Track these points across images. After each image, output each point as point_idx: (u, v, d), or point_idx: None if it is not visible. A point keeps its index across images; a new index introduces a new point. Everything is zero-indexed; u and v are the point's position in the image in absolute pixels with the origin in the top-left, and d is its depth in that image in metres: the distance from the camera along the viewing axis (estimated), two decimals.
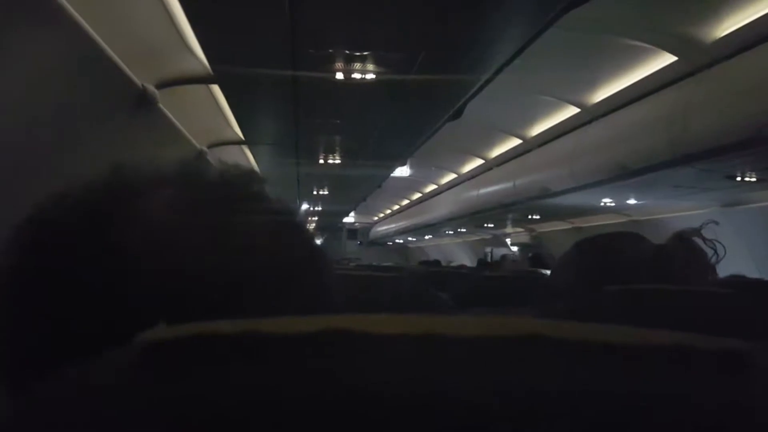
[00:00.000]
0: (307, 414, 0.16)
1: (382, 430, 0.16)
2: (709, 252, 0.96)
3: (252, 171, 0.40)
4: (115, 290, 0.32)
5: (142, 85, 3.13)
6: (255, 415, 0.16)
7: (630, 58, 4.08)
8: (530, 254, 7.90)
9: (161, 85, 3.31)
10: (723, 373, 0.18)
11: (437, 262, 6.87)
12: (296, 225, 0.38)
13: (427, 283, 2.77)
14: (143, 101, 3.22)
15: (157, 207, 0.34)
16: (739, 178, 4.00)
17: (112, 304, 0.31)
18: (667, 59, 3.89)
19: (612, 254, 0.95)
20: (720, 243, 0.95)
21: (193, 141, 4.41)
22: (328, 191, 8.88)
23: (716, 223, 1.01)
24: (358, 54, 2.75)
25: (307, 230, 0.40)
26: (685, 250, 0.94)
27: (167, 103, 3.52)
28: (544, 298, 1.27)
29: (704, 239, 0.94)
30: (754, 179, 4.00)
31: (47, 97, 2.57)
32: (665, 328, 0.19)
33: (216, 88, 4.02)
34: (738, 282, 1.73)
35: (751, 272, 4.06)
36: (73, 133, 2.87)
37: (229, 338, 0.18)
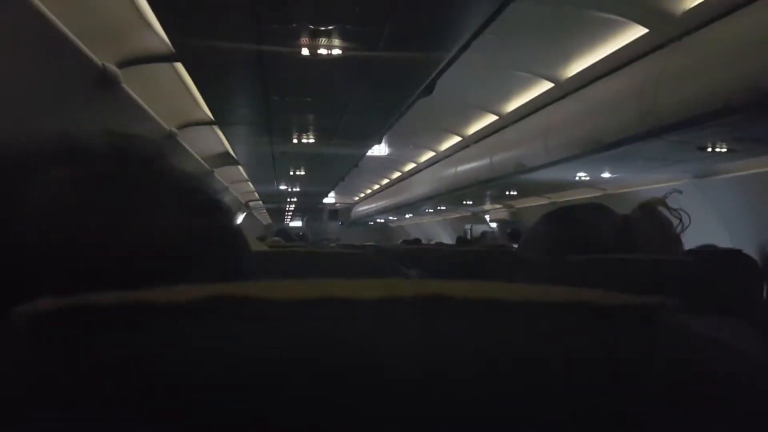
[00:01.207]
0: (192, 386, 0.15)
1: (269, 401, 0.15)
2: (675, 221, 0.95)
3: (157, 144, 0.38)
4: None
5: (102, 64, 3.05)
6: (140, 388, 0.15)
7: (602, 31, 4.08)
8: (508, 230, 7.96)
9: (123, 65, 3.22)
10: (630, 328, 0.18)
11: (417, 241, 6.91)
12: (205, 201, 0.36)
13: (402, 260, 2.79)
14: (104, 81, 3.13)
15: (41, 182, 0.33)
16: (710, 149, 4.03)
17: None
18: (638, 31, 3.88)
19: (577, 225, 0.94)
20: (685, 212, 0.94)
21: (161, 122, 4.33)
22: (305, 171, 8.85)
23: (680, 192, 1.00)
24: (322, 28, 2.69)
25: (221, 207, 0.37)
26: (649, 220, 0.93)
27: (133, 84, 3.44)
28: (511, 270, 1.27)
29: (669, 208, 0.93)
30: (724, 150, 4.04)
31: None
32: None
33: (182, 69, 3.93)
34: (708, 251, 1.74)
35: (724, 242, 4.13)
36: (29, 115, 2.78)
37: (113, 309, 0.17)
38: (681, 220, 0.96)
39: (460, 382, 0.16)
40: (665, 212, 0.96)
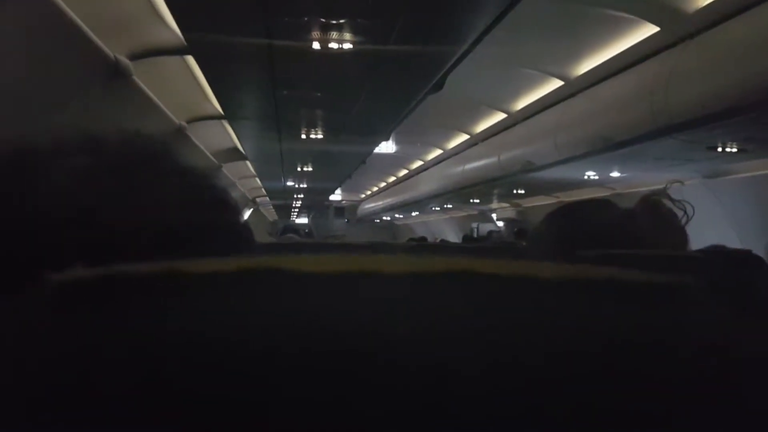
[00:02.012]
0: (230, 355, 0.15)
1: (304, 370, 0.15)
2: (679, 213, 0.95)
3: (166, 140, 0.40)
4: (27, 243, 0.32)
5: (114, 56, 3.06)
6: (175, 356, 0.15)
7: (613, 29, 4.06)
8: (516, 229, 7.94)
9: (134, 57, 3.23)
10: (656, 302, 0.18)
11: (424, 239, 6.90)
12: (212, 195, 0.38)
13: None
14: (116, 74, 3.15)
15: (62, 170, 0.35)
16: (720, 149, 4.01)
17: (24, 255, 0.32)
18: (650, 29, 3.86)
19: (581, 221, 0.94)
20: (689, 203, 0.94)
21: (171, 116, 4.34)
22: (312, 167, 8.85)
23: (681, 183, 1.00)
24: (333, 22, 2.69)
25: (228, 202, 0.39)
26: (652, 213, 0.93)
27: (143, 77, 3.45)
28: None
29: (672, 200, 0.93)
30: (735, 150, 4.01)
31: (10, 69, 2.49)
32: None
33: (193, 63, 3.94)
34: (717, 251, 1.73)
35: (733, 242, 4.11)
36: (40, 105, 2.80)
37: (147, 277, 0.17)
38: (685, 211, 0.95)
39: (492, 357, 0.16)
40: (669, 204, 0.96)
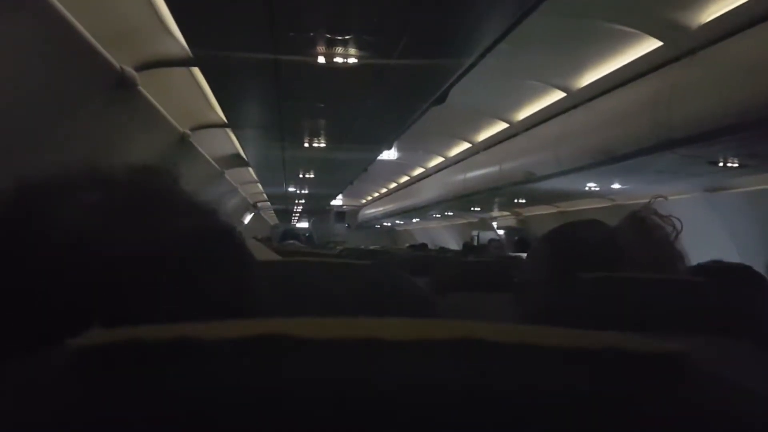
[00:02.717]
0: (239, 419, 0.16)
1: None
2: (668, 228, 0.96)
3: (167, 171, 0.41)
4: (28, 291, 0.33)
5: (121, 67, 3.08)
6: (188, 421, 0.16)
7: (616, 42, 4.07)
8: (516, 238, 7.94)
9: (140, 68, 3.25)
10: (659, 375, 0.18)
11: (424, 246, 6.89)
12: (216, 227, 0.38)
13: (409, 269, 2.79)
14: (122, 84, 3.17)
15: (65, 212, 0.35)
16: (721, 164, 4.01)
17: (33, 305, 0.32)
18: (652, 44, 3.88)
19: (573, 243, 0.96)
20: (677, 218, 0.95)
21: (175, 124, 4.36)
22: (314, 174, 8.85)
23: (665, 198, 1.01)
24: (339, 38, 2.71)
25: (232, 234, 0.39)
26: (639, 229, 0.94)
27: (148, 87, 3.47)
28: (517, 290, 1.28)
29: (660, 215, 0.94)
30: (736, 165, 4.01)
31: (20, 80, 2.51)
32: (634, 314, 0.19)
33: (198, 72, 3.96)
34: (716, 266, 1.73)
35: (732, 256, 4.10)
36: (49, 115, 2.81)
37: (162, 343, 0.18)
38: (674, 226, 0.96)
39: (491, 424, 0.16)
40: (656, 219, 0.97)
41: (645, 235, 0.96)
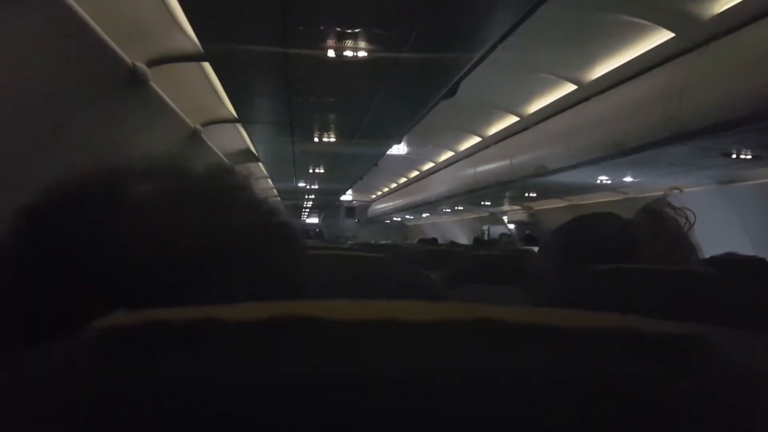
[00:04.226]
0: (264, 401, 0.16)
1: (336, 416, 0.16)
2: (681, 220, 0.96)
3: (231, 170, 0.43)
4: (107, 272, 0.34)
5: (132, 63, 3.10)
6: (211, 403, 0.16)
7: (627, 34, 4.04)
8: (527, 232, 7.91)
9: (152, 63, 3.27)
10: (674, 357, 0.18)
11: (434, 240, 6.89)
12: (276, 218, 0.41)
13: (420, 263, 2.79)
14: (134, 79, 3.19)
15: (146, 195, 0.37)
16: (734, 156, 3.98)
17: (104, 287, 0.33)
18: (664, 35, 3.84)
19: (586, 235, 0.96)
20: (690, 210, 0.95)
21: (186, 119, 4.38)
22: (324, 169, 8.86)
23: (680, 190, 1.01)
24: (349, 31, 2.71)
25: (289, 226, 0.42)
26: (652, 222, 0.94)
27: (159, 82, 3.49)
28: (529, 281, 1.28)
29: (673, 207, 0.94)
30: (749, 157, 3.98)
31: (35, 77, 2.54)
32: (648, 305, 0.19)
33: (208, 67, 3.97)
34: (730, 259, 1.72)
35: (746, 249, 4.06)
36: (63, 111, 2.84)
37: (186, 325, 0.18)
38: (687, 218, 0.96)
39: (505, 405, 0.16)
40: (670, 212, 0.97)
41: (659, 227, 0.95)
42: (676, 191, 1.02)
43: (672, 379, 0.18)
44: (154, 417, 0.16)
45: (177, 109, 4.02)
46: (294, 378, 0.17)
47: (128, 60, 3.04)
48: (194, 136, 4.73)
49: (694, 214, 0.98)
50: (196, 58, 3.52)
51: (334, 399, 0.16)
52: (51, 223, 0.36)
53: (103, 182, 0.37)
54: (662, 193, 1.01)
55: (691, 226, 0.97)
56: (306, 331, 0.18)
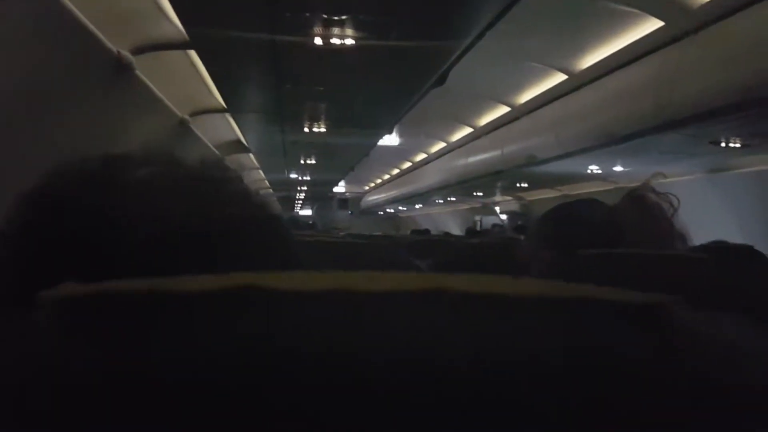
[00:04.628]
0: (215, 373, 0.16)
1: (289, 388, 0.16)
2: (666, 205, 0.96)
3: (222, 162, 0.46)
4: (106, 255, 0.35)
5: (117, 51, 3.06)
6: (161, 374, 0.16)
7: (617, 23, 4.03)
8: (518, 222, 7.94)
9: (137, 51, 3.23)
10: (639, 326, 0.18)
11: (427, 231, 6.91)
12: (267, 211, 0.42)
13: (412, 251, 2.79)
14: (119, 68, 3.15)
15: (145, 178, 0.38)
16: (723, 144, 3.99)
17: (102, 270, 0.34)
18: (654, 24, 3.84)
19: (571, 221, 0.96)
20: (674, 195, 0.95)
21: (174, 109, 4.34)
22: (316, 160, 8.85)
23: (664, 175, 1.01)
24: (336, 18, 2.69)
25: (279, 218, 0.43)
26: (637, 208, 0.95)
27: (145, 71, 3.45)
28: (520, 264, 1.28)
29: (657, 193, 0.94)
30: (738, 145, 3.99)
31: (15, 66, 2.50)
32: (634, 289, 0.19)
33: (196, 57, 3.94)
34: (719, 247, 1.72)
35: (735, 237, 4.08)
36: (45, 101, 2.80)
37: (135, 296, 0.17)
38: (671, 203, 0.96)
39: (460, 374, 0.16)
40: (654, 197, 0.97)
41: (643, 212, 0.96)
42: (659, 176, 1.03)
43: (636, 346, 0.18)
44: (99, 388, 0.16)
45: (164, 99, 3.98)
46: (243, 348, 0.16)
47: (113, 48, 3.01)
48: (182, 126, 4.69)
49: (677, 198, 0.98)
50: (183, 46, 3.48)
51: (283, 369, 0.16)
52: (52, 208, 0.37)
53: (102, 168, 0.38)
54: (647, 180, 1.02)
55: (676, 210, 0.98)
56: (259, 302, 0.17)
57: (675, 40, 3.58)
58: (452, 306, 0.17)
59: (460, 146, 8.01)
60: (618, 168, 5.78)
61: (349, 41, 2.97)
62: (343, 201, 18.19)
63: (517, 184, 8.02)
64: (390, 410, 0.15)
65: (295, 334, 0.17)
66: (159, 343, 0.16)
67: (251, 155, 8.95)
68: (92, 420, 0.16)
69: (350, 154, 8.42)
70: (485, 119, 7.06)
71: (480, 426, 0.16)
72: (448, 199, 11.29)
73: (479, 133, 7.27)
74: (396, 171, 12.97)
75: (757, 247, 1.48)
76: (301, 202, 18.71)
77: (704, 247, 1.47)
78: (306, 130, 5.86)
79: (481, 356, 0.16)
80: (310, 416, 0.15)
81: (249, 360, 0.16)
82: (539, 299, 0.18)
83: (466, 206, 12.13)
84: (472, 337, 0.17)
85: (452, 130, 8.19)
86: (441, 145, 9.13)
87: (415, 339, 0.17)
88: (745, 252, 1.52)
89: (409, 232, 8.02)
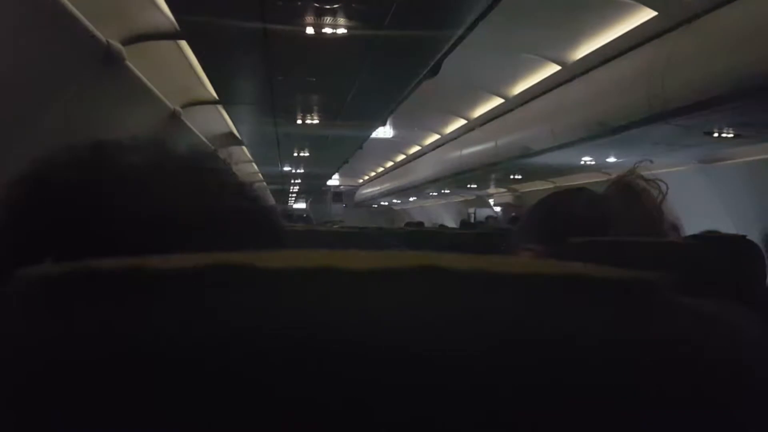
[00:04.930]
0: (195, 349, 0.16)
1: (262, 369, 0.15)
2: (654, 191, 0.97)
3: (213, 153, 0.47)
4: (95, 241, 0.34)
5: (107, 41, 3.03)
6: (137, 354, 0.16)
7: (610, 13, 4.03)
8: (512, 214, 7.96)
9: (127, 42, 3.20)
10: (624, 301, 0.18)
11: (421, 224, 6.93)
12: (257, 202, 0.42)
13: (407, 242, 2.80)
14: (109, 59, 3.12)
15: (134, 164, 0.39)
16: (716, 134, 4.00)
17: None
18: (647, 14, 3.84)
19: (560, 210, 0.96)
20: (662, 180, 0.95)
21: (165, 101, 4.31)
22: (309, 153, 8.84)
23: (650, 161, 1.02)
24: (327, 6, 2.67)
25: (268, 205, 0.44)
26: (625, 194, 0.95)
27: (136, 62, 3.42)
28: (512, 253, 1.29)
29: (645, 179, 0.95)
30: (731, 135, 4.00)
31: (1, 56, 2.47)
32: None
33: (187, 48, 3.91)
34: (712, 237, 1.73)
35: (728, 228, 4.10)
36: (33, 92, 2.78)
37: (115, 275, 0.17)
38: (660, 189, 0.97)
39: (454, 353, 0.16)
40: (642, 184, 0.98)
41: (632, 199, 0.96)
42: (645, 163, 1.03)
43: (620, 322, 0.18)
44: (77, 367, 0.16)
45: (155, 90, 3.95)
46: (228, 326, 0.16)
47: (102, 38, 2.98)
48: (174, 117, 4.66)
49: (666, 184, 0.98)
50: (174, 36, 3.46)
51: (264, 347, 0.16)
52: (40, 192, 0.37)
53: (91, 153, 0.39)
54: (633, 166, 1.02)
55: (664, 196, 0.98)
56: (242, 279, 0.17)
57: (667, 30, 3.58)
58: (446, 284, 0.17)
59: (454, 138, 8.01)
60: (611, 159, 5.80)
61: (341, 31, 2.96)
62: (337, 194, 18.20)
63: (512, 176, 8.04)
64: (380, 393, 0.15)
65: (280, 312, 0.16)
66: (140, 322, 0.16)
67: (244, 148, 8.93)
68: (72, 402, 0.15)
69: (344, 147, 8.41)
70: (479, 111, 7.05)
71: (474, 408, 0.15)
72: (443, 191, 11.31)
73: (473, 125, 7.27)
74: (390, 163, 12.97)
75: (748, 236, 1.48)
76: (294, 195, 18.69)
77: (696, 237, 1.48)
78: (299, 122, 5.84)
79: (475, 335, 0.16)
80: (298, 399, 0.15)
81: (233, 339, 0.16)
82: (530, 276, 0.18)
83: (460, 198, 12.14)
84: (461, 316, 0.17)
85: (446, 122, 8.19)
86: (435, 137, 9.13)
87: (407, 317, 0.16)
88: (737, 242, 1.52)
89: (403, 224, 8.03)
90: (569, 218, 0.94)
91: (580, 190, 1.02)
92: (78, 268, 0.17)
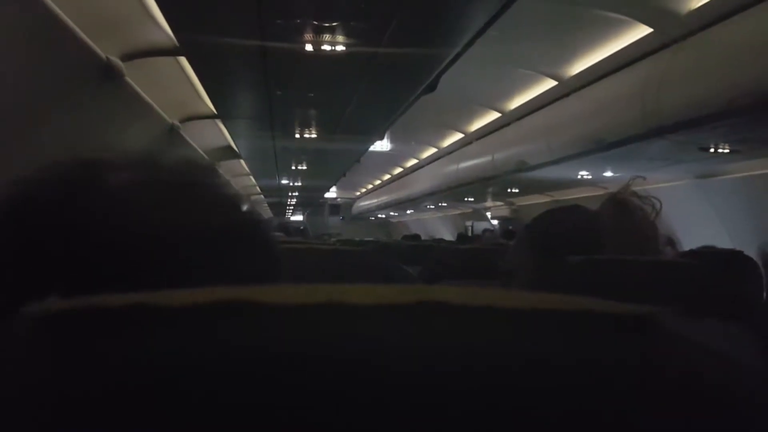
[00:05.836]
0: (203, 384, 0.16)
1: (268, 403, 0.15)
2: (648, 209, 0.97)
3: (210, 166, 0.45)
4: (81, 262, 0.35)
5: (106, 57, 3.05)
6: (142, 390, 0.16)
7: (606, 30, 4.06)
8: (509, 227, 7.96)
9: (126, 58, 3.22)
10: (623, 337, 0.18)
11: (417, 236, 6.92)
12: (249, 217, 0.42)
13: (402, 257, 2.79)
14: (108, 74, 3.13)
15: (120, 185, 0.38)
16: (712, 150, 4.02)
17: (78, 277, 0.34)
18: (642, 31, 3.87)
19: (555, 228, 0.96)
20: (656, 198, 0.96)
21: (164, 115, 4.32)
22: (307, 166, 8.84)
23: (643, 178, 1.03)
24: (326, 24, 2.69)
25: (260, 220, 0.43)
26: (619, 212, 0.96)
27: (135, 77, 3.44)
28: (503, 277, 1.29)
29: (639, 196, 0.95)
30: (726, 150, 4.02)
31: (3, 72, 2.48)
32: (620, 296, 0.19)
33: (186, 62, 3.92)
34: (708, 252, 1.73)
35: (724, 242, 4.10)
36: (34, 108, 2.78)
37: (121, 311, 0.17)
38: (653, 206, 0.97)
39: (457, 387, 0.16)
40: (636, 201, 0.98)
41: (626, 216, 0.97)
42: (638, 179, 1.04)
43: (624, 356, 0.18)
44: (85, 403, 0.16)
45: (154, 105, 3.96)
46: (233, 361, 0.16)
47: (102, 54, 2.99)
48: (172, 132, 4.67)
49: (660, 202, 0.99)
50: (173, 52, 3.47)
51: (274, 381, 0.16)
52: (27, 214, 0.36)
53: (80, 173, 0.38)
54: (626, 183, 1.02)
55: (658, 213, 0.99)
56: (246, 315, 0.17)
57: (664, 46, 3.61)
58: (449, 319, 0.17)
59: (451, 152, 8.03)
60: (608, 174, 5.81)
61: (340, 48, 2.97)
62: (334, 207, 18.17)
63: (508, 190, 8.04)
64: (380, 423, 0.15)
65: (284, 348, 0.16)
66: (148, 359, 0.16)
67: (242, 161, 8.93)
68: None
69: (341, 160, 8.42)
70: (476, 125, 7.08)
71: None
72: (440, 204, 11.31)
73: (470, 139, 7.29)
74: (387, 177, 12.97)
75: (745, 252, 1.48)
76: (292, 208, 18.66)
77: (693, 252, 1.48)
78: (297, 136, 5.85)
79: (470, 369, 0.16)
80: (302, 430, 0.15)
81: (238, 375, 0.16)
82: (528, 311, 0.18)
83: (457, 212, 12.14)
84: (460, 350, 0.17)
85: (443, 136, 8.21)
86: (432, 150, 9.15)
87: (405, 352, 0.16)
88: (734, 257, 1.52)
89: (400, 237, 8.01)
90: (565, 235, 0.94)
91: (574, 206, 1.02)
92: (87, 304, 0.17)
